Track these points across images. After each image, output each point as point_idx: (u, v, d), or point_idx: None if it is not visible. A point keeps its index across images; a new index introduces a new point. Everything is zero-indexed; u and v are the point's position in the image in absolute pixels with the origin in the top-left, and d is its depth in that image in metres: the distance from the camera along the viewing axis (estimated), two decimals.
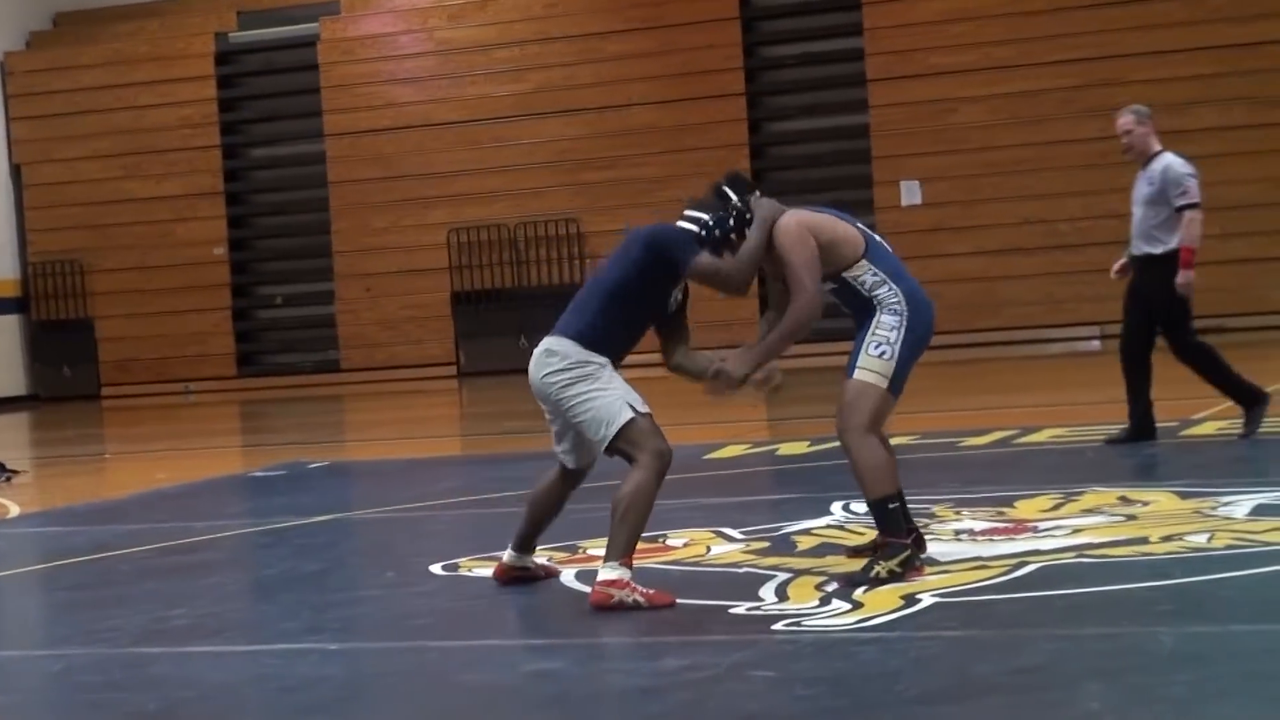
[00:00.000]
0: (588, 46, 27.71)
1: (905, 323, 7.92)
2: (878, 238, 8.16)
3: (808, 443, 13.70)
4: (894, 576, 7.68)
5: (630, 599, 7.46)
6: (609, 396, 7.70)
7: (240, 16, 29.78)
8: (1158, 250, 12.11)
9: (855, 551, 8.33)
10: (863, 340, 7.95)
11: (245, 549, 10.75)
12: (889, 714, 5.67)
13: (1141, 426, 12.27)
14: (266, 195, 30.27)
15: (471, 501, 11.92)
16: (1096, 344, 24.91)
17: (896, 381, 7.92)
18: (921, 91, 26.09)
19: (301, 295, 29.76)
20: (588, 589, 7.95)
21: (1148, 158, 12.31)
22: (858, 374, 7.91)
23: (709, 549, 8.84)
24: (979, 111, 26.05)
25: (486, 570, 8.62)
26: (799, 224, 7.96)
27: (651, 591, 7.56)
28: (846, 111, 26.92)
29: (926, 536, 8.51)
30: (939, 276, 25.33)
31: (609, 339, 7.84)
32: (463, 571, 8.71)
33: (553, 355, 7.81)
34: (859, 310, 8.05)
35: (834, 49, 27.20)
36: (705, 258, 7.84)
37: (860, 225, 8.19)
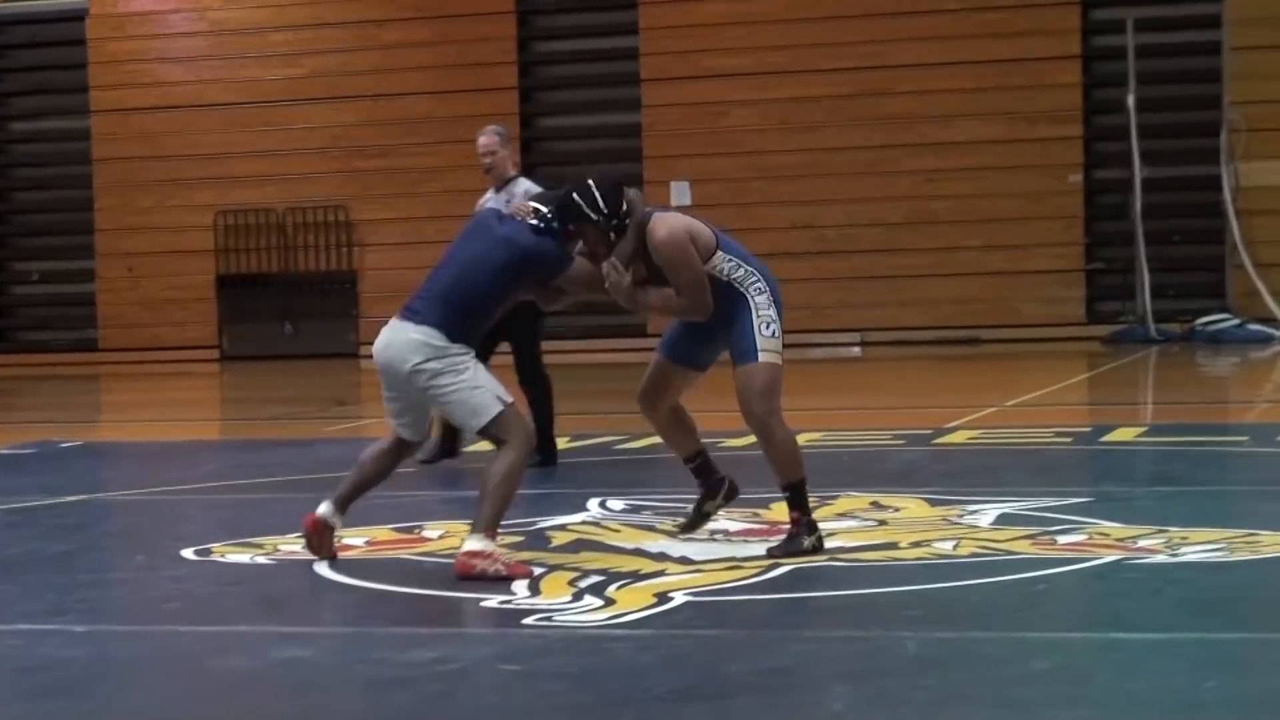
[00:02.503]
0: (363, 33, 27.55)
1: (774, 298, 8.15)
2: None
3: (566, 438, 13.74)
4: (815, 550, 8.05)
5: (493, 569, 7.72)
6: (479, 389, 8.03)
7: None
8: None
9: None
10: (749, 323, 8.10)
11: None
12: (635, 711, 5.71)
13: (545, 449, 11.98)
14: (26, 170, 29.73)
15: (228, 486, 11.80)
16: (857, 350, 25.26)
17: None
18: (695, 93, 26.28)
19: (60, 272, 29.24)
20: (344, 579, 7.94)
21: (505, 180, 12.32)
22: (763, 356, 8.06)
23: (464, 541, 8.83)
24: (751, 115, 26.29)
25: (241, 556, 8.55)
26: (679, 236, 8.05)
27: (514, 562, 7.89)
28: (620, 110, 27.05)
29: (681, 537, 8.63)
30: None
31: (472, 331, 8.13)
32: (216, 557, 8.63)
33: (424, 347, 8.01)
34: (726, 298, 8.14)
35: (609, 47, 27.31)
36: (578, 268, 8.12)
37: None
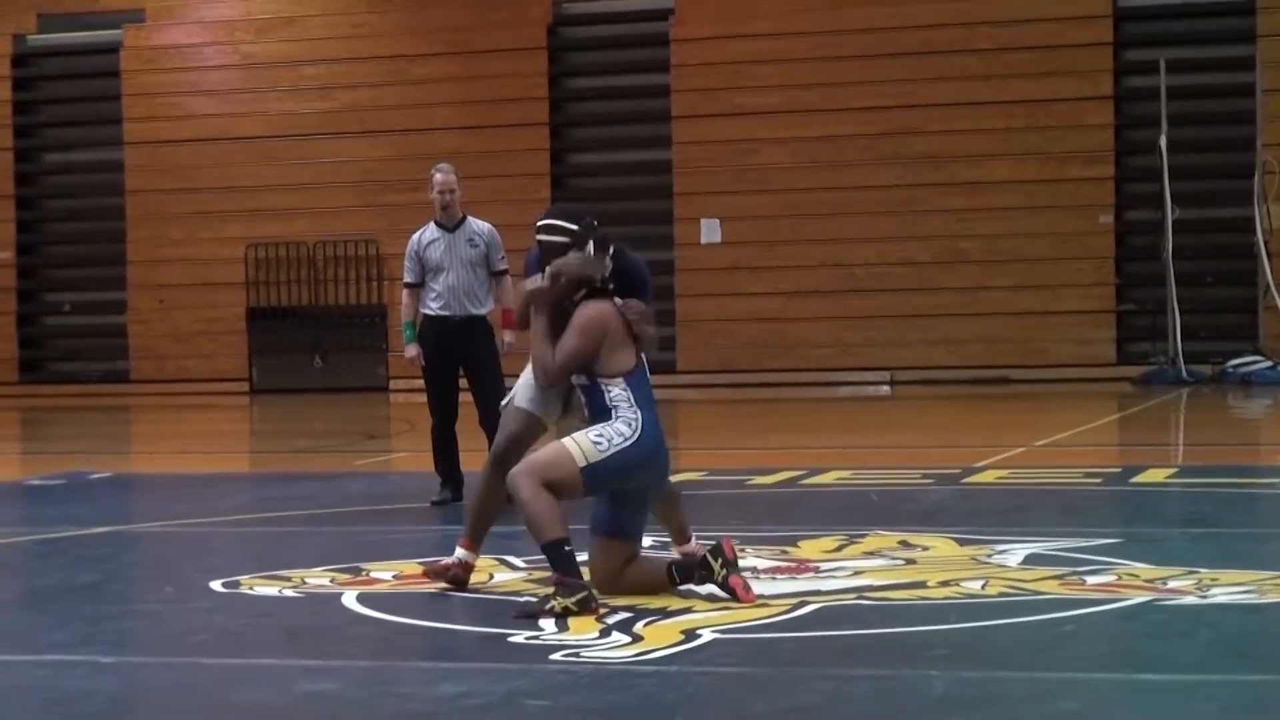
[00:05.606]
0: (395, 68, 27.64)
1: (632, 440, 8.03)
2: (645, 367, 8.29)
3: None
4: (568, 612, 7.63)
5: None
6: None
7: (40, 19, 29.34)
8: (481, 311, 11.95)
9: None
10: (592, 426, 8.07)
11: (18, 558, 10.55)
12: None
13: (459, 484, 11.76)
14: (60, 201, 29.86)
15: (257, 519, 11.80)
16: (886, 389, 25.23)
17: (593, 476, 8.00)
18: (725, 131, 26.32)
19: (91, 303, 29.35)
20: (371, 612, 7.95)
21: (459, 219, 12.25)
22: (568, 441, 8.03)
23: (492, 576, 8.83)
24: (781, 153, 26.31)
25: (269, 589, 8.55)
26: (602, 317, 8.14)
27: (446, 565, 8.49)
28: (650, 147, 27.09)
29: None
30: (735, 315, 25.62)
31: None
32: (244, 589, 8.63)
33: None
34: (595, 411, 8.14)
35: (640, 84, 27.37)
36: (525, 284, 8.42)
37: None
